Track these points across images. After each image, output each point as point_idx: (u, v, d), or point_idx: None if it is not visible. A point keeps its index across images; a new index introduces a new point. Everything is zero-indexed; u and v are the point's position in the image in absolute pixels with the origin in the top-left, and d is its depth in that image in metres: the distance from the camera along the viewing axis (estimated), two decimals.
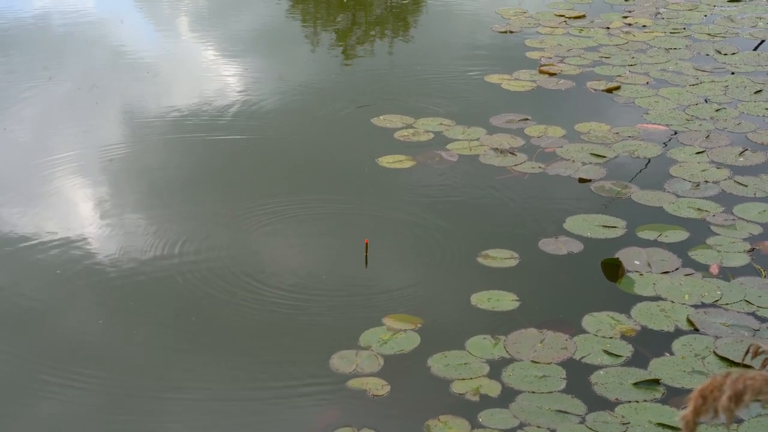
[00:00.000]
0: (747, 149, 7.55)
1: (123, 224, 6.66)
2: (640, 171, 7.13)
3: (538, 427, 4.77)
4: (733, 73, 9.07)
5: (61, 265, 6.19)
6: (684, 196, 6.88)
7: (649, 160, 7.40)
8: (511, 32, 10.44)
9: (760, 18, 10.78)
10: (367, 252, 6.12)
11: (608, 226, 6.49)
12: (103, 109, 8.61)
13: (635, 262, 6.08)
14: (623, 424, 4.79)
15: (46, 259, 6.27)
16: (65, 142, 7.91)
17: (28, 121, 8.41)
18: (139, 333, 5.58)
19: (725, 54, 9.60)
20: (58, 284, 6.03)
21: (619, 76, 9.09)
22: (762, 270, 6.00)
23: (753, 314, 5.58)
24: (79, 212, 6.88)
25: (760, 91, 8.69)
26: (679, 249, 6.22)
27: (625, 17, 10.78)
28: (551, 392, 5.00)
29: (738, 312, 5.59)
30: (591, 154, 7.52)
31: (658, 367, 5.17)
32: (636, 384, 5.05)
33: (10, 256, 6.32)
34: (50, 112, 8.64)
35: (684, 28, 10.38)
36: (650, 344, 5.35)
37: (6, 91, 9.00)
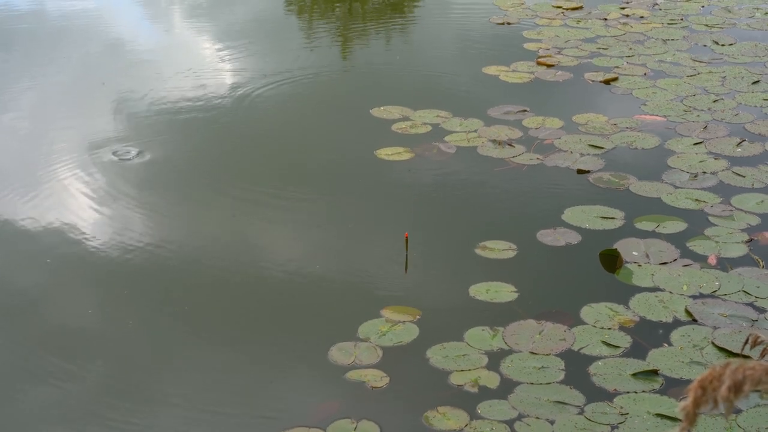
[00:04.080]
0: (745, 140, 7.55)
1: (115, 212, 6.66)
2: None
3: (537, 418, 4.78)
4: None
5: (51, 253, 6.20)
6: (682, 187, 6.88)
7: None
8: (509, 24, 10.43)
9: (758, 8, 10.77)
10: (407, 248, 6.09)
11: (606, 218, 6.49)
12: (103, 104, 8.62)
13: (633, 253, 6.08)
14: (622, 414, 4.79)
15: (36, 247, 6.27)
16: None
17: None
18: (133, 323, 5.58)
19: (723, 45, 9.60)
20: (48, 273, 6.04)
21: (617, 67, 9.09)
22: (760, 260, 6.00)
23: (751, 305, 5.58)
24: (70, 200, 6.88)
25: (758, 81, 8.69)
26: (678, 240, 6.22)
27: (623, 8, 10.77)
28: (550, 383, 5.00)
29: (736, 302, 5.60)
30: (589, 145, 7.52)
31: (657, 358, 5.18)
32: (634, 375, 5.05)
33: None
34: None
35: (681, 19, 10.38)
36: (649, 335, 5.36)
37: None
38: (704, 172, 7.07)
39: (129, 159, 7.44)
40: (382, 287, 5.85)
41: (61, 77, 9.27)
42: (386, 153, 7.47)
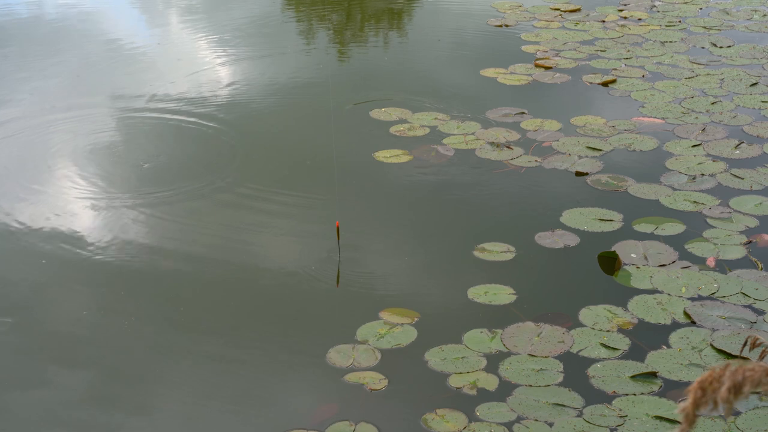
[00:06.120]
0: (743, 142, 7.55)
1: (112, 213, 6.65)
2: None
3: (536, 420, 4.77)
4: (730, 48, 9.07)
5: (47, 254, 6.19)
6: (680, 189, 6.88)
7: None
8: (507, 26, 10.43)
9: (756, 10, 10.78)
10: (339, 235, 6.07)
11: (604, 220, 6.49)
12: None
13: (632, 255, 6.08)
14: (620, 416, 4.79)
15: (31, 248, 6.26)
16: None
17: None
18: (129, 325, 5.57)
19: (721, 47, 9.60)
20: (44, 274, 6.03)
21: (615, 69, 9.09)
22: (758, 262, 6.00)
23: (750, 306, 5.58)
24: (66, 200, 6.88)
25: (756, 83, 8.69)
26: (676, 242, 6.22)
27: (621, 10, 10.78)
28: (548, 386, 5.00)
29: (735, 304, 5.59)
30: (587, 147, 7.52)
31: (655, 360, 5.17)
32: (633, 377, 5.05)
33: None
34: None
35: (679, 21, 10.38)
36: (647, 337, 5.35)
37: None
38: (702, 174, 7.07)
39: (124, 161, 7.44)
40: (380, 289, 5.84)
41: (58, 78, 9.26)
42: (384, 155, 7.47)
